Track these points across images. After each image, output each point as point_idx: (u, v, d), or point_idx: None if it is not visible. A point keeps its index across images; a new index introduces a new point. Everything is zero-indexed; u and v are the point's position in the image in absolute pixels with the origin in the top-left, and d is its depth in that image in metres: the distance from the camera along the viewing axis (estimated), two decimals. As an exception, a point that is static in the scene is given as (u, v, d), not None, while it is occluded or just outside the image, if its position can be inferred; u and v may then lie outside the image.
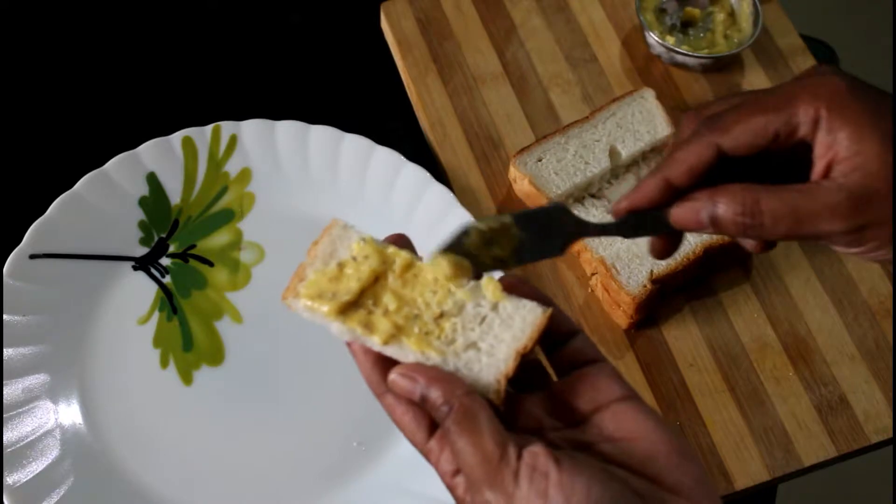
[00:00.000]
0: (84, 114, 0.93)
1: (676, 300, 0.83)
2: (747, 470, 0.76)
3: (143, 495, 0.75)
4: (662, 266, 0.80)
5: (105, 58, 0.96)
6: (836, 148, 0.52)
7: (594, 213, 0.84)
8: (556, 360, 0.52)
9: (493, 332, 0.50)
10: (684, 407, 0.79)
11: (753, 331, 0.82)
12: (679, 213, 0.55)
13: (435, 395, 0.48)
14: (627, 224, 0.56)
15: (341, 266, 0.52)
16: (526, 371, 0.50)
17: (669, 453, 0.47)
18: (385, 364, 0.51)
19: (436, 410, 0.48)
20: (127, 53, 0.96)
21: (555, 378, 0.53)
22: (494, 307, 0.51)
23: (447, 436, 0.47)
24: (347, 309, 0.51)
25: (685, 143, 0.54)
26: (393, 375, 0.49)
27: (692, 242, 0.81)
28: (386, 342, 0.50)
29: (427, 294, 0.51)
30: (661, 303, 0.82)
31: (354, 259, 0.52)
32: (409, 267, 0.52)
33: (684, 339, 0.81)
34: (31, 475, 0.73)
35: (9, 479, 0.73)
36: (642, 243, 0.81)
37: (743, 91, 0.57)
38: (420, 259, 0.52)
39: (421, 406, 0.49)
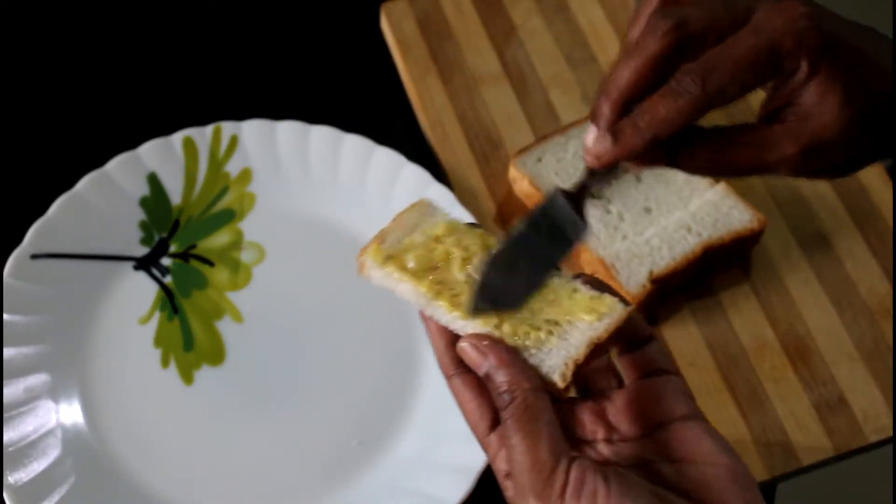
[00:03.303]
0: (84, 114, 0.93)
1: (676, 300, 0.83)
2: (746, 469, 0.77)
3: (144, 494, 0.75)
4: (662, 266, 0.80)
5: (105, 57, 0.96)
6: (801, 94, 0.53)
7: (593, 212, 0.84)
8: (626, 363, 0.51)
9: (570, 316, 0.49)
10: (684, 406, 0.79)
11: (752, 331, 0.82)
12: (646, 164, 0.55)
13: (500, 379, 0.47)
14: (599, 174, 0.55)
15: (429, 237, 0.51)
16: (590, 377, 0.49)
17: (726, 480, 0.46)
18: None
19: (497, 395, 0.47)
20: (127, 53, 0.96)
21: (620, 384, 0.52)
22: (572, 294, 0.50)
23: (502, 426, 0.46)
24: (425, 276, 0.50)
25: (675, 99, 0.52)
26: (464, 343, 0.48)
27: (691, 242, 0.81)
28: (456, 311, 0.49)
29: None
30: (660, 303, 0.82)
31: (438, 239, 0.51)
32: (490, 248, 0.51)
33: (683, 338, 0.82)
34: (33, 474, 0.74)
35: (10, 479, 0.73)
36: (642, 243, 0.82)
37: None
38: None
39: (487, 393, 0.48)
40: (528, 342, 0.49)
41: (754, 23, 0.52)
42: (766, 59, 0.52)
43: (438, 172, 0.89)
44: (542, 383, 0.48)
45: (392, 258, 0.51)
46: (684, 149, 0.54)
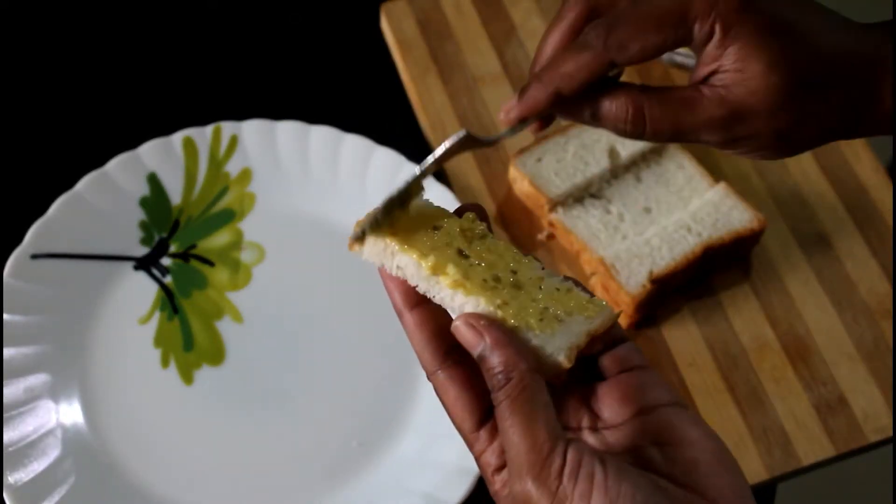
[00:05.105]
0: (84, 114, 0.93)
1: (676, 300, 0.83)
2: (746, 469, 0.77)
3: (144, 495, 0.75)
4: (662, 266, 0.80)
5: (105, 57, 0.96)
6: (722, 61, 0.53)
7: (594, 212, 0.84)
8: (604, 361, 0.51)
9: (566, 309, 0.49)
10: (684, 406, 0.79)
11: (752, 331, 0.82)
12: (566, 114, 0.55)
13: (496, 360, 0.45)
14: (515, 129, 0.55)
15: (425, 218, 0.51)
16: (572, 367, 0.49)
17: (712, 463, 0.46)
18: (439, 341, 0.49)
19: (491, 376, 0.46)
20: (127, 53, 0.96)
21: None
22: (568, 293, 0.50)
23: (496, 409, 0.45)
24: (424, 252, 0.49)
25: (577, 53, 0.53)
26: (458, 322, 0.47)
27: (691, 242, 0.81)
28: (460, 288, 0.47)
29: (506, 262, 0.50)
30: (660, 303, 0.82)
31: (433, 220, 0.51)
32: (484, 237, 0.51)
33: (683, 339, 0.82)
34: (33, 474, 0.74)
35: (10, 479, 0.73)
36: (642, 243, 0.82)
37: None
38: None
39: (474, 388, 0.47)
40: (531, 321, 0.48)
41: None
42: (672, 19, 0.52)
43: (438, 172, 0.89)
44: (541, 367, 0.47)
45: (393, 231, 0.49)
46: (604, 102, 0.54)
